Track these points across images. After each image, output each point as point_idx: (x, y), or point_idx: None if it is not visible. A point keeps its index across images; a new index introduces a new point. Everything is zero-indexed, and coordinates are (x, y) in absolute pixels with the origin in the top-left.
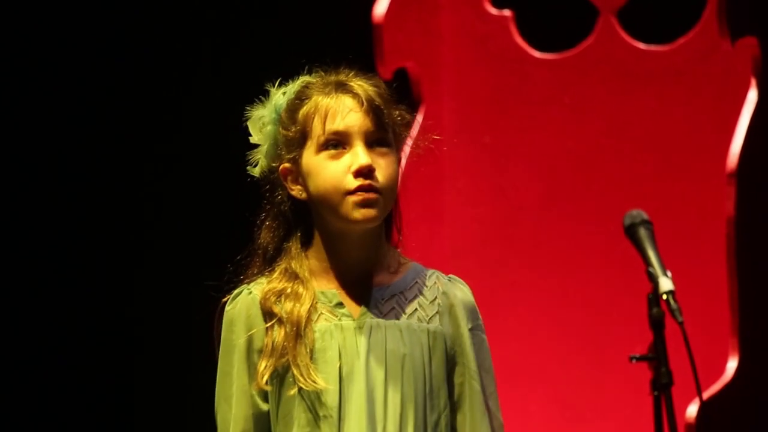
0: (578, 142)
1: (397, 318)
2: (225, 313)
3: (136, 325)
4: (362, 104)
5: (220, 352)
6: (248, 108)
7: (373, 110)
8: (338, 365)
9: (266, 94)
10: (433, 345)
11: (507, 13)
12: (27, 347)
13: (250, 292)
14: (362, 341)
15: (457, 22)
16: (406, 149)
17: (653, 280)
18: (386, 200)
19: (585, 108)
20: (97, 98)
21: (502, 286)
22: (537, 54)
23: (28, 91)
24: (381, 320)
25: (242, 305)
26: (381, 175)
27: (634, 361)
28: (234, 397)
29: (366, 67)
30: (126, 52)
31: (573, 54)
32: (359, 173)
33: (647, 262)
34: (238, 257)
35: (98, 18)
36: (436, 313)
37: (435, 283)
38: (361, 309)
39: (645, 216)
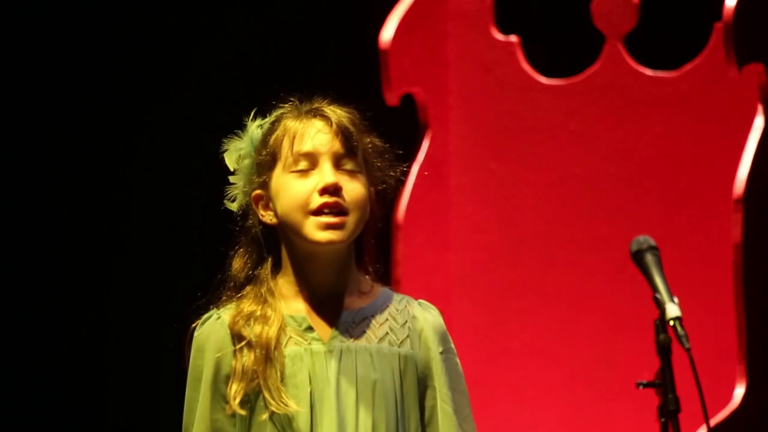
0: (585, 168)
1: (368, 342)
2: (194, 339)
3: (108, 354)
4: (331, 126)
5: (188, 379)
6: (225, 140)
7: (342, 133)
8: (309, 390)
9: (242, 126)
10: (404, 369)
11: (513, 39)
12: None
13: (219, 317)
14: (332, 366)
15: (464, 48)
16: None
17: (660, 307)
18: (353, 223)
19: (591, 134)
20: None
21: (509, 312)
22: (543, 80)
23: None
24: (351, 344)
25: (211, 330)
26: (348, 196)
27: (641, 387)
28: (202, 424)
29: (372, 92)
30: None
31: (579, 80)
32: (325, 191)
33: (654, 288)
34: (210, 285)
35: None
36: (407, 336)
37: (405, 307)
38: (332, 333)
39: (652, 242)
